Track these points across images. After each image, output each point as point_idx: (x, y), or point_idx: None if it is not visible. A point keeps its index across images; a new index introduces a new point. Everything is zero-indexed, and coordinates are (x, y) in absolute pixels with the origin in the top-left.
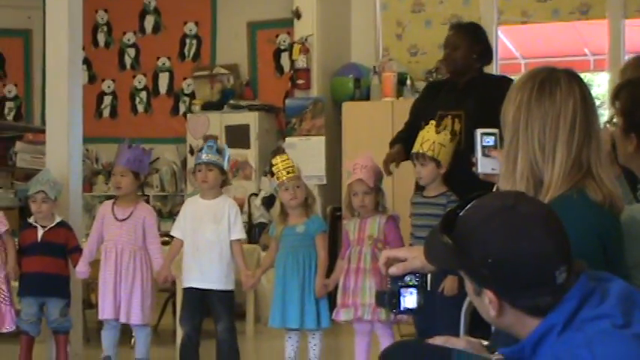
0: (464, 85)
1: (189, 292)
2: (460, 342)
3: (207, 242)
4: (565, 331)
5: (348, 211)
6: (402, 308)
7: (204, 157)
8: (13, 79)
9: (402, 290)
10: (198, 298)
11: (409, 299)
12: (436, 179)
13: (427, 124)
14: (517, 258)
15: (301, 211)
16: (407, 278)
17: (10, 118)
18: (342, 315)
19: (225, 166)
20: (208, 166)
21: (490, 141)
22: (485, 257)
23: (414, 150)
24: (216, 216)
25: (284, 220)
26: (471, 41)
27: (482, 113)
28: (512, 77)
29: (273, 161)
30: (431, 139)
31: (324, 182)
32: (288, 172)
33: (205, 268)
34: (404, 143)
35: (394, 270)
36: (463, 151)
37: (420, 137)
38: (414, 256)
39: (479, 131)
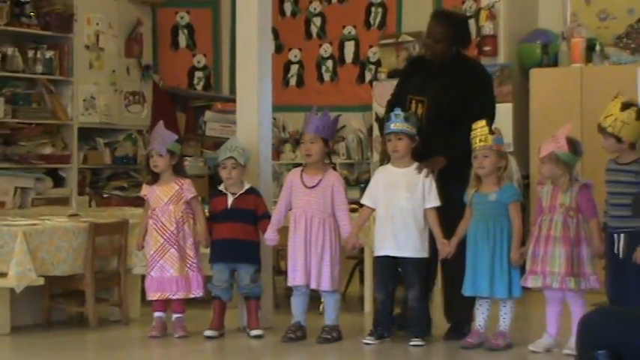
0: (437, 70)
1: (382, 260)
2: None
3: (401, 210)
4: None
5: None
6: None
7: (392, 126)
8: (202, 49)
9: None
10: (392, 266)
11: None
12: (621, 151)
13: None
14: None
15: (494, 179)
16: None
17: (199, 87)
18: (530, 281)
19: (414, 133)
20: (397, 135)
21: None
22: None
23: (599, 120)
24: (410, 184)
25: (476, 186)
26: (453, 36)
27: (443, 100)
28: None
29: (474, 126)
30: (614, 115)
31: (512, 150)
32: (480, 140)
33: (400, 237)
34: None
35: None
36: (424, 131)
37: (607, 109)
38: None
39: None
